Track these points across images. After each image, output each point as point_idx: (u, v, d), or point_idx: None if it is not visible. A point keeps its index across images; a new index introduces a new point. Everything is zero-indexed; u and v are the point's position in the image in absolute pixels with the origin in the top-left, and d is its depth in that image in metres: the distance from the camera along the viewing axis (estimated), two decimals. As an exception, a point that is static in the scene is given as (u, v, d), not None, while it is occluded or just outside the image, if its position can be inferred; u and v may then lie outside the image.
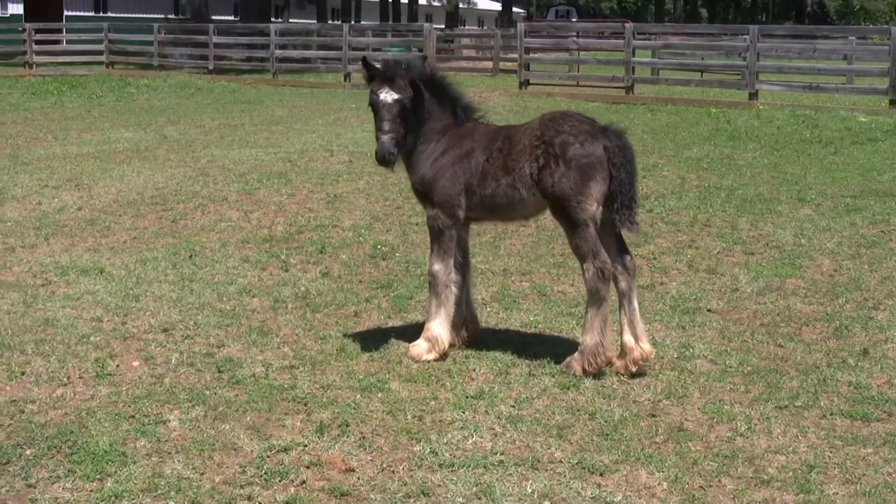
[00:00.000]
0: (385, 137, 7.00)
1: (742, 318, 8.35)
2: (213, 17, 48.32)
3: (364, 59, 7.32)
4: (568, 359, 7.03)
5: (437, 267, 7.36)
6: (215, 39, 36.67)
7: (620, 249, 7.11)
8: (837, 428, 6.15)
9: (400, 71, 7.13)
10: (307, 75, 35.22)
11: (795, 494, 5.29)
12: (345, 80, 32.29)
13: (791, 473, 5.53)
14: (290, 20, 68.71)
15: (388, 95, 7.02)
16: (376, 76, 7.14)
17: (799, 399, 6.57)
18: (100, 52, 39.82)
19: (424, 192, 7.37)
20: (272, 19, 56.87)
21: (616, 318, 7.26)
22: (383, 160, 7.03)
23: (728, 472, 5.55)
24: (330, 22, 64.28)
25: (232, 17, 60.82)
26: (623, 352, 7.02)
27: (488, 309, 8.54)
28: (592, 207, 6.84)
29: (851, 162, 15.88)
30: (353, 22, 56.01)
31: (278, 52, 34.59)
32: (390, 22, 62.73)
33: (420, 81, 7.21)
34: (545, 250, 10.42)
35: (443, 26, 64.11)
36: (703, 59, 33.56)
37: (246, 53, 37.21)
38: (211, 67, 36.43)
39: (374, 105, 7.09)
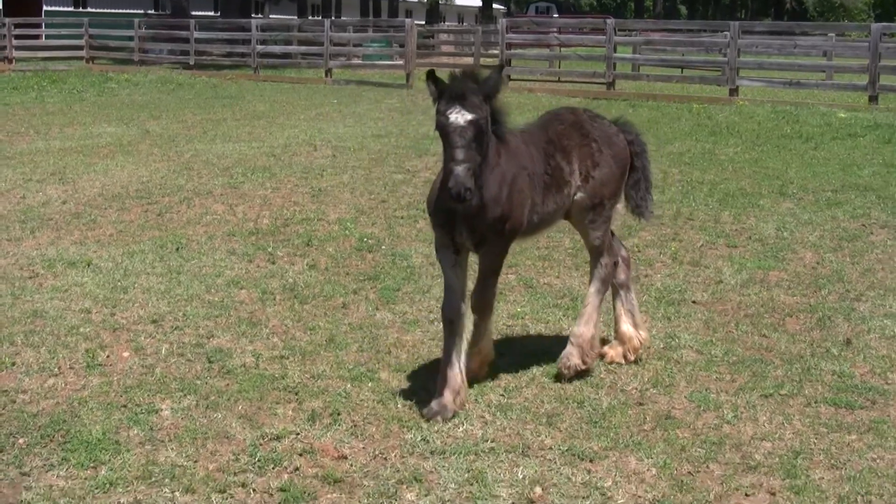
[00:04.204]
0: (459, 168, 5.69)
1: (726, 309, 8.44)
2: (194, 13, 48.24)
3: (430, 73, 5.93)
4: (564, 357, 6.79)
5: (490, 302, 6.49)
6: (196, 35, 36.62)
7: (618, 243, 7.24)
8: (822, 415, 6.25)
9: (471, 85, 5.89)
10: (288, 71, 35.21)
11: (782, 479, 5.38)
12: (326, 75, 32.26)
13: (777, 459, 5.62)
14: (271, 16, 68.60)
15: (459, 116, 5.78)
16: (444, 92, 5.89)
17: (784, 388, 6.66)
18: (80, 48, 39.72)
19: (497, 229, 6.19)
20: (253, 15, 56.84)
21: (609, 309, 7.36)
22: (458, 197, 5.66)
23: (715, 458, 5.64)
24: (310, 17, 64.25)
25: (212, 13, 60.74)
26: (622, 340, 7.10)
27: (475, 300, 8.59)
28: (619, 203, 6.99)
29: (832, 157, 16.00)
30: (333, 17, 55.94)
31: (259, 48, 34.55)
32: (371, 17, 62.74)
33: (495, 97, 6.09)
34: (530, 243, 10.47)
35: (423, 22, 64.14)
36: (683, 55, 33.71)
37: (227, 49, 37.12)
38: (192, 63, 36.37)
39: (443, 128, 5.82)
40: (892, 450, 5.77)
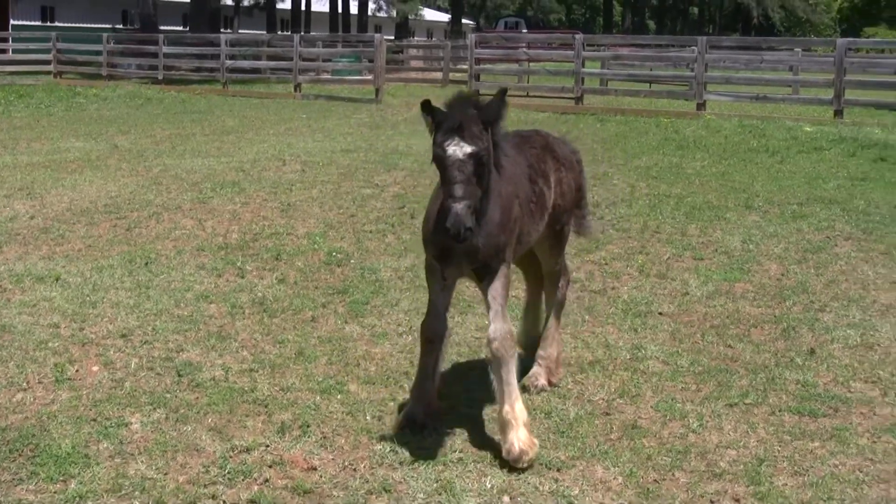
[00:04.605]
0: (459, 207, 5.29)
1: (692, 320, 8.53)
2: (162, 28, 48.16)
3: (425, 102, 5.54)
4: (532, 377, 6.89)
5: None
6: (165, 49, 36.59)
7: None
8: (786, 423, 6.33)
9: (470, 113, 5.48)
10: (257, 85, 35.21)
11: (746, 486, 5.46)
12: (295, 90, 32.27)
13: (742, 466, 5.70)
14: (240, 30, 68.56)
15: (458, 149, 5.37)
16: (442, 123, 5.47)
17: (749, 397, 6.75)
18: (48, 62, 39.63)
19: (500, 257, 5.84)
20: (222, 29, 56.82)
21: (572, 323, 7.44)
22: (457, 237, 5.28)
23: (681, 466, 5.71)
24: (280, 32, 64.24)
25: (181, 28, 60.67)
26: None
27: (444, 313, 8.63)
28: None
29: (797, 170, 16.16)
30: (302, 32, 55.93)
31: (228, 63, 34.56)
32: (340, 32, 62.75)
33: (497, 124, 5.68)
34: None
35: (392, 37, 64.23)
36: (651, 70, 33.98)
37: (196, 64, 37.10)
38: (160, 78, 36.34)
39: (441, 162, 5.41)
40: (854, 456, 5.86)
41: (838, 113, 23.82)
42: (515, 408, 5.71)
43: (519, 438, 5.60)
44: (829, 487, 5.44)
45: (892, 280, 9.70)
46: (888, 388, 6.96)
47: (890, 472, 5.67)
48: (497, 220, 5.75)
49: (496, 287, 5.83)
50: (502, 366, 5.74)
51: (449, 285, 6.10)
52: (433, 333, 6.08)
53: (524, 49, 33.60)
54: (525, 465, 5.55)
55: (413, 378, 6.46)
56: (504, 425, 5.68)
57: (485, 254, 5.73)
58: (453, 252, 5.73)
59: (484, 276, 5.86)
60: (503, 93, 5.65)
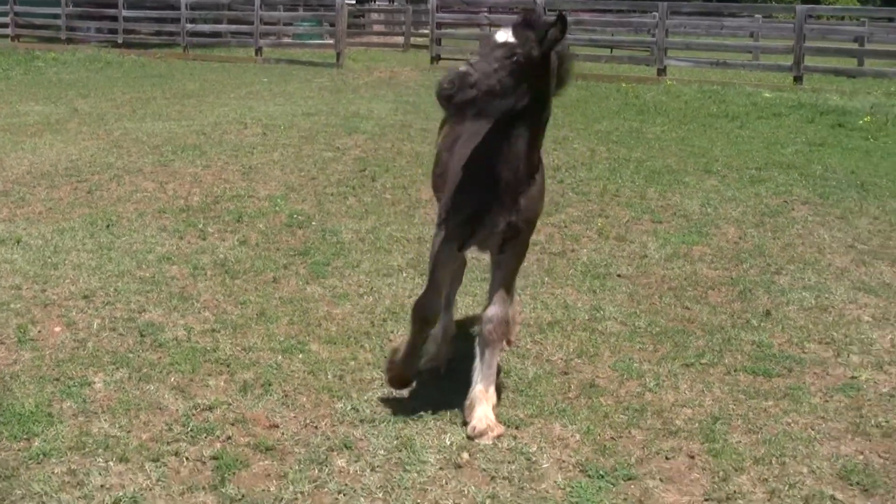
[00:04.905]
0: (464, 67, 5.00)
1: (650, 282, 8.63)
2: (122, -9, 47.61)
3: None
4: None
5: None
6: (124, 13, 36.20)
7: None
8: (741, 383, 6.45)
9: (540, 19, 5.17)
10: (218, 50, 34.94)
11: (701, 443, 5.57)
12: (256, 54, 32.10)
13: (697, 424, 5.81)
14: (200, -6, 67.91)
15: (500, 35, 5.12)
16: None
17: (705, 357, 6.86)
18: (5, 25, 39.11)
19: (532, 221, 5.75)
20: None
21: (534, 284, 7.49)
22: (448, 86, 4.91)
23: (637, 424, 5.81)
24: (240, -4, 63.70)
25: (140, -9, 59.98)
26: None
27: (404, 275, 8.69)
28: None
29: (756, 135, 16.33)
30: (263, -4, 55.49)
31: (189, 27, 34.29)
32: (301, -3, 62.25)
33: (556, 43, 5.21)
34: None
35: (353, 1, 63.77)
36: (612, 35, 34.02)
37: (156, 27, 36.76)
38: (120, 41, 35.97)
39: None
40: (807, 414, 5.99)
41: (798, 79, 24.04)
42: (489, 390, 5.71)
43: (483, 417, 5.60)
44: (781, 444, 5.56)
45: (847, 244, 9.86)
46: (841, 349, 7.10)
47: (841, 430, 5.81)
48: (539, 188, 5.62)
49: (510, 268, 5.80)
50: (489, 348, 5.70)
51: (454, 259, 5.88)
52: (432, 312, 5.88)
53: (486, 13, 33.55)
54: (485, 442, 5.51)
55: (400, 349, 6.12)
56: (474, 402, 5.68)
57: (522, 219, 5.54)
58: (487, 216, 5.50)
59: (506, 248, 5.70)
60: (561, 16, 5.18)
